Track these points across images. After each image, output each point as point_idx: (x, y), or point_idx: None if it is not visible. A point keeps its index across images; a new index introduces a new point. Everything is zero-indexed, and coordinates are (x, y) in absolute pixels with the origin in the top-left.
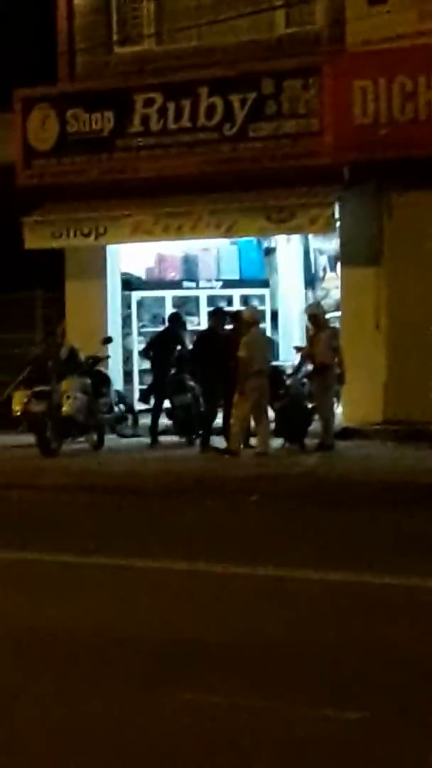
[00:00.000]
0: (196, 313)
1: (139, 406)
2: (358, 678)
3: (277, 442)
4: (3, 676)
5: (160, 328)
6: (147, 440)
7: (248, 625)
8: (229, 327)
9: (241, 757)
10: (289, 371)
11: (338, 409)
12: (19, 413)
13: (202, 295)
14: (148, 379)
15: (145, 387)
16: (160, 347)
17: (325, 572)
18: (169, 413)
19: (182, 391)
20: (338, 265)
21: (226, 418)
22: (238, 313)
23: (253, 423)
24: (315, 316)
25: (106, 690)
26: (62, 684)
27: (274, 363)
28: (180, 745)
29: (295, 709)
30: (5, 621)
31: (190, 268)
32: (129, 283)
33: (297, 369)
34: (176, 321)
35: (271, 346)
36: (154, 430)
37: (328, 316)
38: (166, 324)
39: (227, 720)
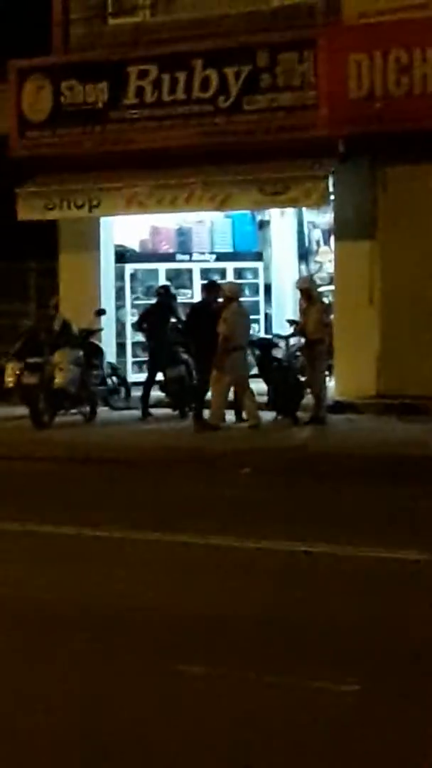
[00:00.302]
0: (190, 286)
1: (132, 378)
2: (356, 651)
3: (269, 416)
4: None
5: (152, 301)
6: (139, 413)
7: (244, 598)
8: (221, 300)
9: (239, 727)
10: (282, 345)
11: (330, 383)
12: (11, 385)
13: (196, 268)
14: (141, 351)
15: (140, 359)
16: (154, 320)
17: (319, 545)
18: (162, 386)
19: (175, 363)
20: (332, 238)
21: None
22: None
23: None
24: (307, 290)
25: (105, 661)
26: (62, 658)
27: (267, 336)
28: (180, 717)
29: (293, 681)
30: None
31: (183, 241)
32: (122, 256)
33: (287, 339)
34: (166, 293)
35: (249, 322)
36: (145, 403)
37: (321, 289)
38: (156, 297)
39: (226, 692)
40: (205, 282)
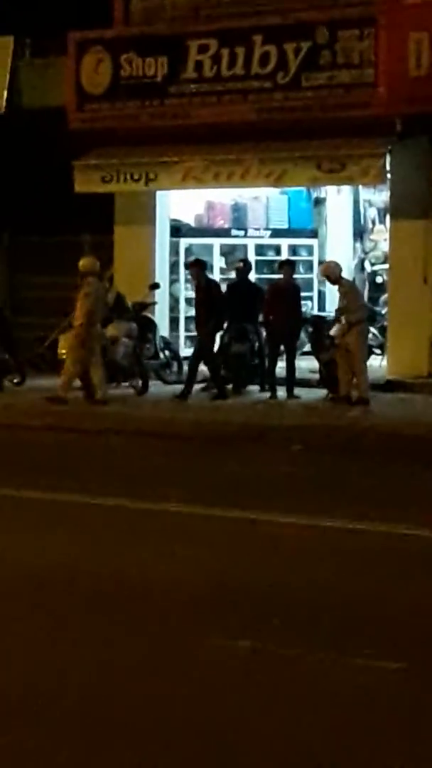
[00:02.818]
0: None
1: (184, 352)
2: (396, 629)
3: (321, 393)
4: (31, 617)
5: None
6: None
7: (280, 573)
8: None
9: (282, 703)
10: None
11: (383, 362)
12: (65, 357)
13: (251, 244)
14: (194, 326)
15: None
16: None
17: (362, 523)
18: (224, 360)
19: (242, 339)
20: (387, 217)
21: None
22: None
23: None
24: (326, 276)
25: (138, 633)
26: (93, 627)
27: (320, 314)
28: (218, 691)
29: (337, 657)
30: (34, 560)
31: (239, 216)
32: (177, 230)
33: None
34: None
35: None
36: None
37: (376, 268)
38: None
39: (262, 667)
40: (284, 260)
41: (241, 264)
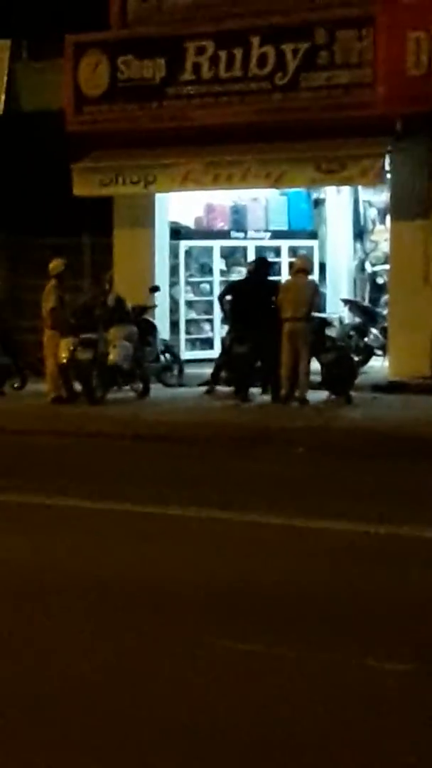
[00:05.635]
0: (244, 264)
1: (185, 355)
2: (402, 630)
3: (322, 395)
4: (34, 619)
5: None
6: (192, 390)
7: (286, 575)
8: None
9: (280, 703)
10: (336, 324)
11: (385, 363)
12: (65, 361)
13: (250, 246)
14: (195, 329)
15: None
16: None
17: (364, 525)
18: (227, 362)
19: (243, 341)
20: (387, 217)
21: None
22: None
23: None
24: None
25: (142, 635)
26: (99, 630)
27: (321, 315)
28: (221, 692)
29: (337, 659)
30: (37, 563)
31: (238, 218)
32: (177, 232)
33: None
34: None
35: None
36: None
37: (377, 268)
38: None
39: (266, 668)
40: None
41: (253, 266)
